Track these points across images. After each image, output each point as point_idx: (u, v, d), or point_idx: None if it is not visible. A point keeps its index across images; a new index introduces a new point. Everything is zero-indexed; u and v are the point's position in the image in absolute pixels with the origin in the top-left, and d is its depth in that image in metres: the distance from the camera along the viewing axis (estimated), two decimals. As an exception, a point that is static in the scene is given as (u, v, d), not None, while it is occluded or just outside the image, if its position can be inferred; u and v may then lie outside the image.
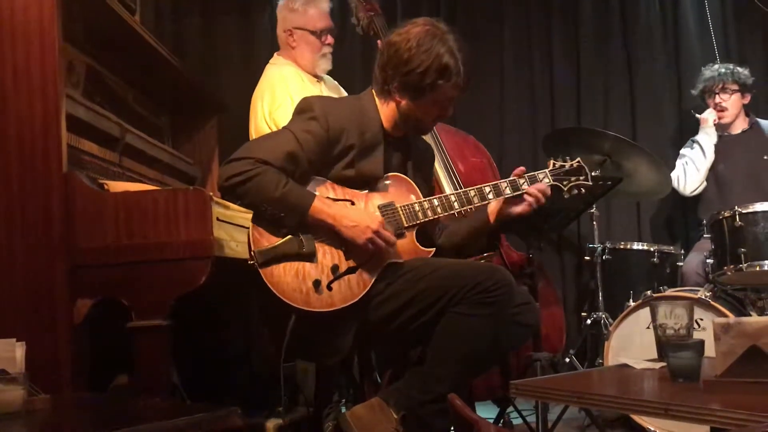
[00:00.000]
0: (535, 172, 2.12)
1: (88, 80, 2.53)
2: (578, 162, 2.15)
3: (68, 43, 2.34)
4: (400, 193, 2.06)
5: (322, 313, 1.87)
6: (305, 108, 2.01)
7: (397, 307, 1.93)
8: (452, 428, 1.96)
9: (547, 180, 2.12)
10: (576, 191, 2.14)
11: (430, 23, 2.03)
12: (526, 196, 2.08)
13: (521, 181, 2.09)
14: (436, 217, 2.04)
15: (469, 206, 2.06)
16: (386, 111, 2.08)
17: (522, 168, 2.12)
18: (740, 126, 3.57)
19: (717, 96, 3.53)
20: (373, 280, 1.93)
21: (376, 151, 2.04)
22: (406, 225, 2.01)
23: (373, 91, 2.11)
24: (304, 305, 1.86)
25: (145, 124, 2.98)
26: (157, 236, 2.02)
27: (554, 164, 2.15)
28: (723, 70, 3.54)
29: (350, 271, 1.92)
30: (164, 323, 2.00)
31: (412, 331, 1.98)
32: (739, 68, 3.55)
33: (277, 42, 3.14)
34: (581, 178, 2.14)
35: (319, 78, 3.06)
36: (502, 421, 2.68)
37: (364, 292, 1.91)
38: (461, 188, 3.02)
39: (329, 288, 1.89)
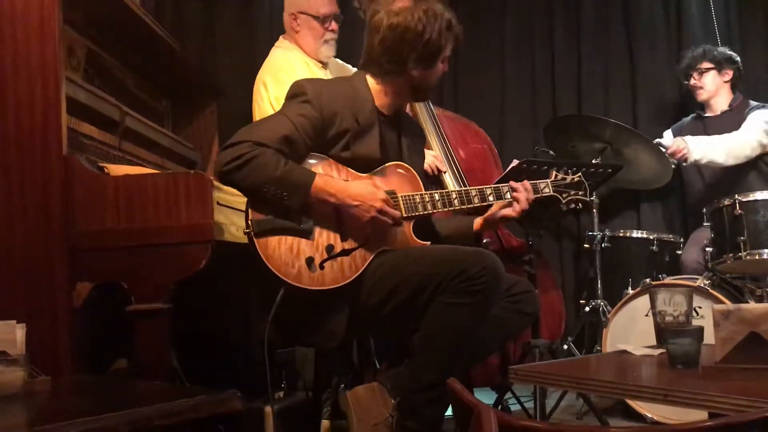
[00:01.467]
0: (537, 181, 2.17)
1: (88, 63, 2.52)
2: (579, 177, 2.21)
3: (68, 26, 2.33)
4: (403, 183, 2.07)
5: (311, 292, 1.87)
6: (298, 92, 2.01)
7: (385, 294, 1.93)
8: (452, 412, 1.97)
9: (548, 190, 2.17)
10: (573, 205, 2.21)
11: None
12: (513, 194, 2.12)
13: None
14: (434, 211, 2.05)
15: (469, 206, 2.08)
16: (383, 89, 2.10)
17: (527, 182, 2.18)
18: (722, 106, 3.54)
19: (692, 78, 3.55)
20: (365, 266, 1.94)
21: (371, 133, 2.05)
22: (404, 215, 2.01)
23: (367, 74, 2.12)
24: (295, 281, 1.86)
25: (145, 107, 2.97)
26: (157, 220, 2.02)
27: (556, 175, 2.20)
28: (695, 53, 3.55)
29: (344, 253, 1.93)
30: (164, 307, 2.01)
31: (405, 318, 1.98)
32: (717, 47, 3.55)
33: (280, 25, 3.12)
34: (580, 192, 2.20)
35: (324, 64, 3.02)
36: (500, 408, 2.69)
37: (354, 276, 1.92)
38: (461, 173, 3.04)
39: (321, 267, 1.89)
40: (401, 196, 2.02)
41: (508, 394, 2.73)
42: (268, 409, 2.46)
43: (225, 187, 2.23)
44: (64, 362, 1.97)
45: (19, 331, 1.63)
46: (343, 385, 2.68)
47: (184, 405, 1.42)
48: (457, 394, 1.13)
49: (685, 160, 3.27)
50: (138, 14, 2.59)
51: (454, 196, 2.06)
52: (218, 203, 2.09)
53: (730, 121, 3.44)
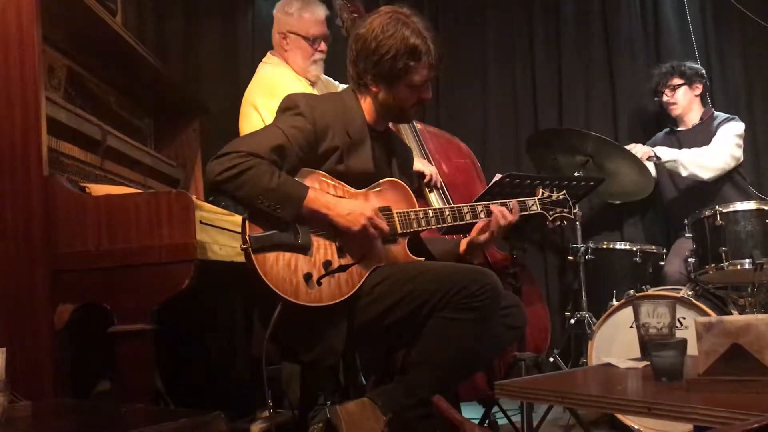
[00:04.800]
0: (525, 199, 2.19)
1: (68, 83, 2.51)
2: (564, 195, 2.23)
3: (48, 46, 2.32)
4: (398, 200, 2.07)
5: (309, 308, 1.86)
6: (290, 105, 2.00)
7: (384, 310, 1.93)
8: (438, 431, 1.96)
9: (535, 207, 2.19)
10: (559, 222, 2.23)
11: (392, 9, 2.04)
12: (491, 207, 2.11)
13: (511, 205, 2.14)
14: (429, 228, 2.06)
15: (461, 222, 2.09)
16: (366, 105, 2.09)
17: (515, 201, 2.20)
18: (694, 120, 3.62)
19: (664, 95, 3.62)
20: (362, 281, 1.93)
21: (363, 147, 2.04)
22: (399, 231, 2.01)
23: (351, 88, 2.12)
24: (292, 297, 1.84)
25: (127, 126, 2.96)
26: (140, 240, 2.00)
27: (543, 193, 2.23)
28: (665, 69, 3.62)
29: (341, 269, 1.92)
30: (147, 328, 1.99)
31: (401, 333, 1.98)
32: (685, 62, 3.62)
33: (262, 42, 3.12)
34: (565, 210, 2.23)
35: (312, 82, 3.03)
36: (487, 422, 2.68)
37: (351, 292, 1.91)
38: (444, 188, 3.05)
39: (319, 283, 1.88)
40: (396, 213, 2.02)
41: (495, 408, 2.73)
42: (254, 428, 2.45)
43: (208, 206, 2.23)
44: (45, 386, 1.94)
45: (-1, 356, 1.60)
46: (329, 403, 2.67)
47: (167, 428, 1.40)
48: (443, 412, 1.13)
49: (656, 159, 3.36)
50: (119, 33, 2.58)
51: (447, 212, 2.07)
52: (201, 222, 2.07)
53: (702, 133, 3.51)
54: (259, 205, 1.84)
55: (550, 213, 2.21)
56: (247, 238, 1.85)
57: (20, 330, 1.97)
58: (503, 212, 2.11)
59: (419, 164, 2.91)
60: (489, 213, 2.11)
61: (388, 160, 2.18)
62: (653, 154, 3.37)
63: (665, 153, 3.40)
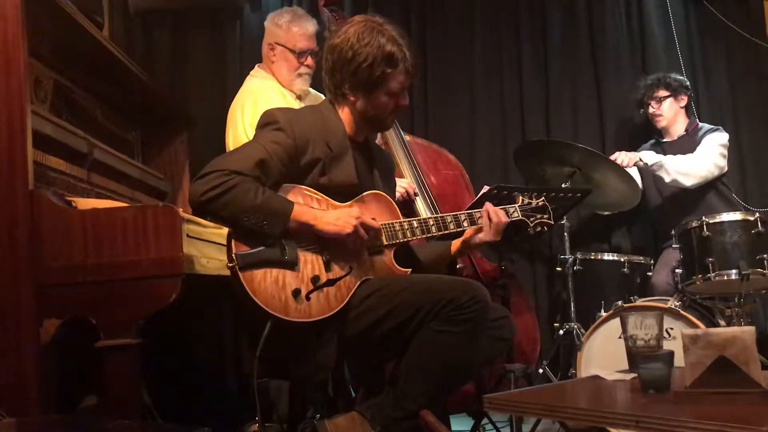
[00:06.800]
0: (507, 206, 2.20)
1: (55, 96, 2.50)
2: (543, 201, 2.25)
3: (35, 59, 2.31)
4: (382, 212, 2.07)
5: (298, 324, 1.85)
6: (269, 120, 2.00)
7: (373, 322, 1.93)
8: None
9: (516, 214, 2.20)
10: (540, 228, 2.24)
11: (365, 18, 2.06)
12: (483, 216, 2.12)
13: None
14: (414, 238, 2.06)
15: (446, 231, 2.10)
16: (345, 116, 2.10)
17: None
18: (679, 131, 3.67)
19: (650, 107, 3.66)
20: (350, 295, 1.93)
21: (345, 158, 2.04)
22: (385, 243, 2.02)
23: (329, 100, 2.13)
24: (282, 313, 1.83)
25: (114, 139, 2.94)
26: (126, 254, 1.99)
27: (522, 200, 2.24)
28: (650, 81, 3.67)
29: (329, 283, 1.92)
30: (134, 342, 1.97)
31: (390, 345, 1.97)
32: (669, 74, 3.66)
33: (250, 55, 3.13)
34: (545, 216, 2.24)
35: (298, 96, 3.03)
36: (476, 434, 2.67)
37: (340, 306, 1.91)
38: (432, 200, 3.05)
39: (308, 298, 1.87)
40: (381, 225, 2.02)
41: (485, 420, 2.72)
42: (242, 442, 2.43)
43: (196, 219, 2.21)
44: (31, 402, 1.91)
45: (-17, 373, 1.59)
46: (318, 416, 2.66)
47: (154, 444, 1.39)
48: (430, 427, 1.13)
49: (642, 163, 3.41)
50: (106, 46, 2.58)
51: (431, 222, 2.09)
52: (188, 235, 2.06)
53: (687, 144, 3.56)
54: (245, 223, 1.84)
55: (531, 219, 2.22)
56: (233, 255, 1.84)
57: (5, 345, 1.94)
58: (496, 211, 2.12)
59: None
60: (473, 221, 2.13)
61: (370, 170, 2.19)
62: (639, 159, 3.41)
63: (650, 157, 3.43)
